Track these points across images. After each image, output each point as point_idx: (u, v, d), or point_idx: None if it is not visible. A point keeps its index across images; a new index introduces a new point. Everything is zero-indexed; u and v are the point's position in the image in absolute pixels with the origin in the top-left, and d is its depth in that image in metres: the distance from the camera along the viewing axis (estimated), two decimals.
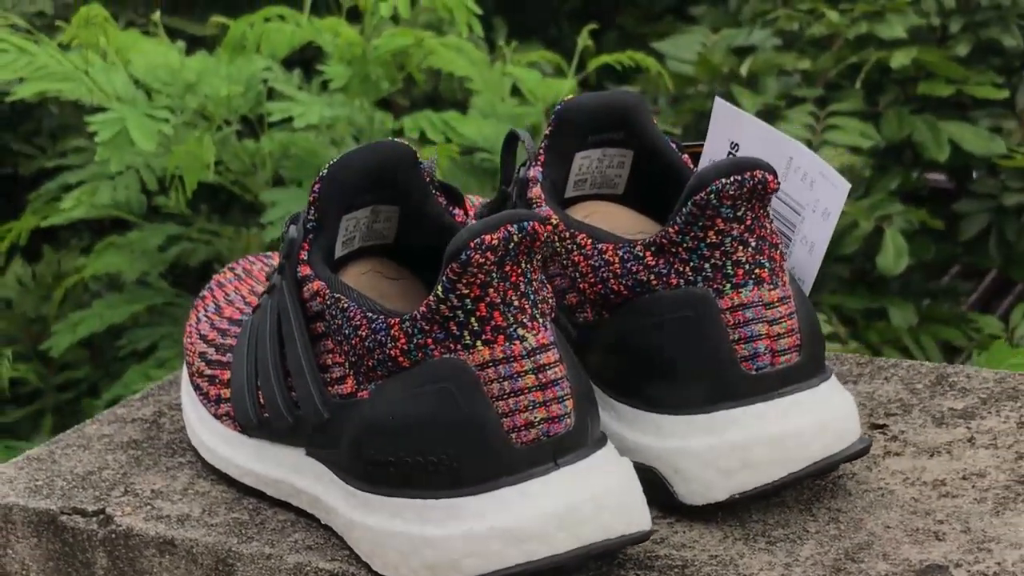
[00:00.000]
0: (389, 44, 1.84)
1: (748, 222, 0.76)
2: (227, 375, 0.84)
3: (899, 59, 2.03)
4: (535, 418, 0.71)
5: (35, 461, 0.89)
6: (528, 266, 0.71)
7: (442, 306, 0.70)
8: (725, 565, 0.74)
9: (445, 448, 0.71)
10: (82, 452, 0.90)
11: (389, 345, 0.72)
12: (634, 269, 0.78)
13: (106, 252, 1.91)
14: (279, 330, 0.79)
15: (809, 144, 2.06)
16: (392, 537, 0.72)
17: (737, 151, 0.84)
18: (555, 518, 0.70)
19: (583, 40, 1.93)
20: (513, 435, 0.70)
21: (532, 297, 0.71)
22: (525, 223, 0.70)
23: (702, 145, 0.87)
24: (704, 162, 0.86)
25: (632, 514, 0.72)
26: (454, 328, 0.71)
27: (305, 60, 2.09)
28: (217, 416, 0.85)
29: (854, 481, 0.80)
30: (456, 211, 0.81)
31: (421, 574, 0.72)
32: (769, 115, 2.06)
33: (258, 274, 0.94)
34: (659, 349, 0.78)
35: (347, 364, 0.75)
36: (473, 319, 0.70)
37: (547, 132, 0.84)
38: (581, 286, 0.80)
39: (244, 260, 0.96)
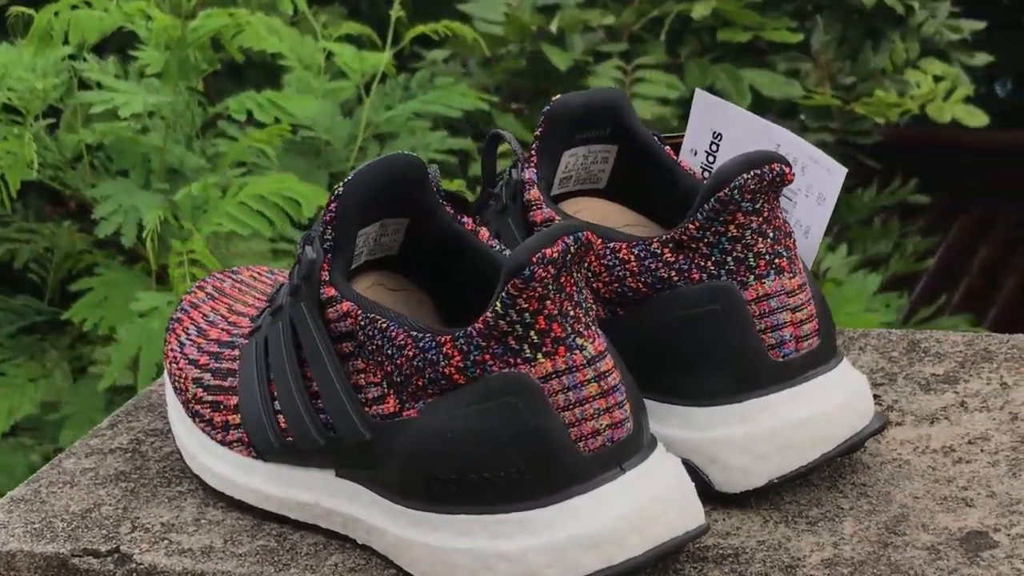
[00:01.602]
0: (208, 25, 1.80)
1: (765, 213, 0.78)
2: (233, 400, 0.83)
3: (699, 10, 2.08)
4: (600, 425, 0.72)
5: (21, 503, 0.86)
6: (578, 275, 0.72)
7: (500, 321, 0.71)
8: (775, 549, 0.76)
9: (513, 462, 0.71)
10: (69, 489, 0.87)
11: (442, 363, 0.72)
12: (653, 266, 0.79)
13: None
14: (297, 352, 0.78)
15: None
16: (459, 554, 0.73)
17: (720, 141, 0.86)
18: (628, 521, 0.71)
19: (396, 11, 1.93)
20: (580, 444, 0.71)
21: (584, 305, 0.72)
22: (579, 234, 0.71)
23: (682, 136, 0.88)
24: (686, 153, 0.88)
25: (691, 510, 0.74)
26: (513, 343, 0.71)
27: (107, 45, 2.03)
28: (225, 443, 0.83)
29: (868, 454, 0.83)
30: (464, 219, 0.81)
31: None
32: (578, 71, 2.10)
33: (231, 291, 0.92)
34: (686, 343, 0.79)
35: (385, 383, 0.75)
36: (532, 332, 0.71)
37: (538, 133, 0.85)
38: (595, 285, 0.81)
39: (211, 279, 0.94)
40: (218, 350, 0.86)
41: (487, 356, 0.71)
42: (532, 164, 0.84)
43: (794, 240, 0.79)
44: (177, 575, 0.79)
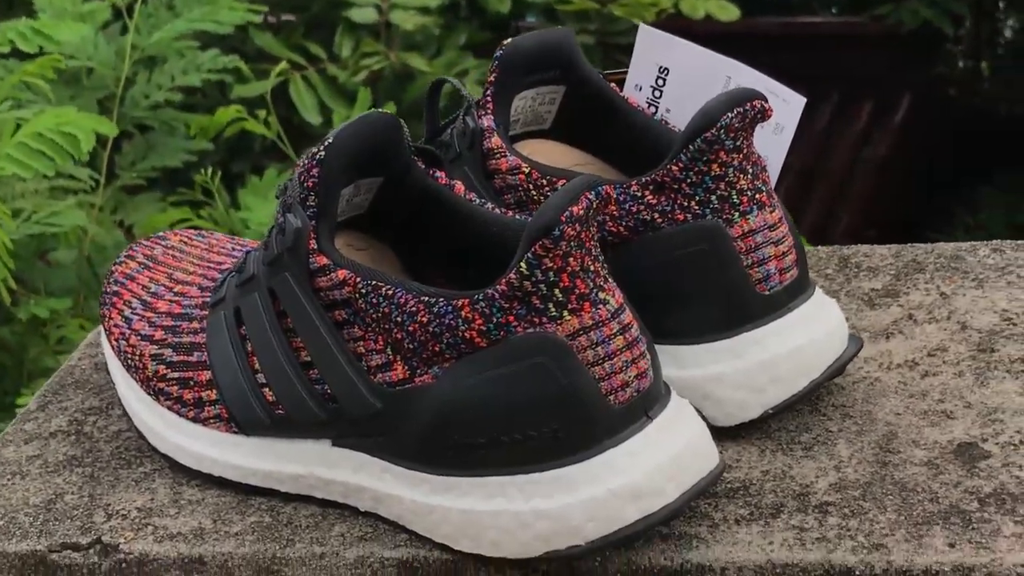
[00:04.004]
0: None
1: (744, 150, 0.78)
2: (204, 376, 0.80)
3: None
4: (629, 377, 0.72)
5: None
6: (593, 229, 0.71)
7: (525, 282, 0.70)
8: (781, 478, 0.77)
9: (547, 422, 0.71)
10: (21, 480, 0.83)
11: (462, 327, 0.71)
12: (634, 209, 0.79)
13: None
14: (279, 323, 0.76)
15: (379, 9, 2.08)
16: (492, 516, 0.72)
17: (667, 75, 0.86)
18: (663, 470, 0.71)
19: None
20: (611, 397, 0.71)
21: (600, 259, 0.72)
22: (599, 188, 0.70)
23: (625, 72, 0.88)
24: (630, 88, 0.88)
25: (711, 451, 0.74)
26: (537, 302, 0.70)
27: None
28: (200, 420, 0.80)
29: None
30: (439, 173, 0.79)
31: (533, 547, 0.72)
32: None
33: (165, 259, 0.88)
34: (674, 283, 0.80)
35: (390, 350, 0.73)
36: (557, 290, 0.70)
37: (491, 79, 0.83)
38: None
39: (139, 246, 0.90)
40: (173, 323, 0.83)
41: (511, 318, 0.70)
42: (489, 111, 0.83)
43: (767, 173, 0.80)
44: (171, 561, 0.76)
